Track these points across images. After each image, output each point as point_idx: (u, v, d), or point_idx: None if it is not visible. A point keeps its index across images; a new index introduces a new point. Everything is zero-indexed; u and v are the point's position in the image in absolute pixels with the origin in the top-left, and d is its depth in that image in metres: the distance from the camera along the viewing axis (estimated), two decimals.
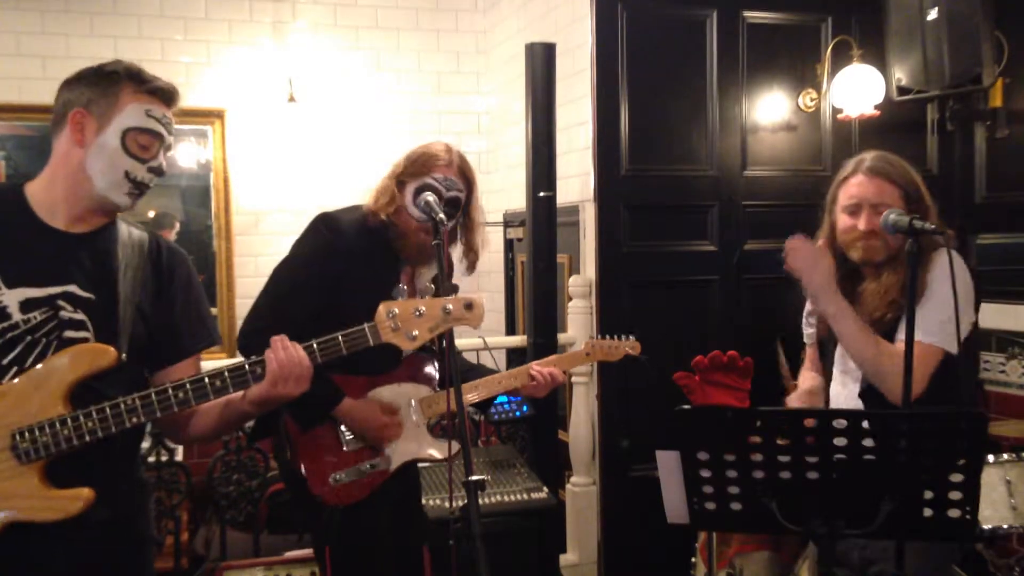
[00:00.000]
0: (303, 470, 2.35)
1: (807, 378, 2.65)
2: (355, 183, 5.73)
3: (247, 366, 1.81)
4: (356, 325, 1.85)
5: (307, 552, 3.32)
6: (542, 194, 3.85)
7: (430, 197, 2.24)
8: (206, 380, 1.78)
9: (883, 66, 3.97)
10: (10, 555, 1.72)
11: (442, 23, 5.92)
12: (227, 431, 1.97)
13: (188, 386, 1.77)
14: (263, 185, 5.53)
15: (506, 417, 3.53)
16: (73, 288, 1.79)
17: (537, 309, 3.88)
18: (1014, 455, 2.98)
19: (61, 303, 1.78)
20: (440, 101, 5.92)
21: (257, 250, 5.62)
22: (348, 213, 2.44)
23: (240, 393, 1.85)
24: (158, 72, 1.90)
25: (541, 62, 3.80)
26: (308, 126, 5.53)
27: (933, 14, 3.76)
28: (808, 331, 2.67)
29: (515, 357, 4.20)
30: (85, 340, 1.78)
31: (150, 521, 2.02)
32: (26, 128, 5.25)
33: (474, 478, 1.81)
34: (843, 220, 2.40)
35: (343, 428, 2.40)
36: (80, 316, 1.78)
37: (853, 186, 2.39)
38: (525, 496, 3.33)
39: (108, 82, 1.83)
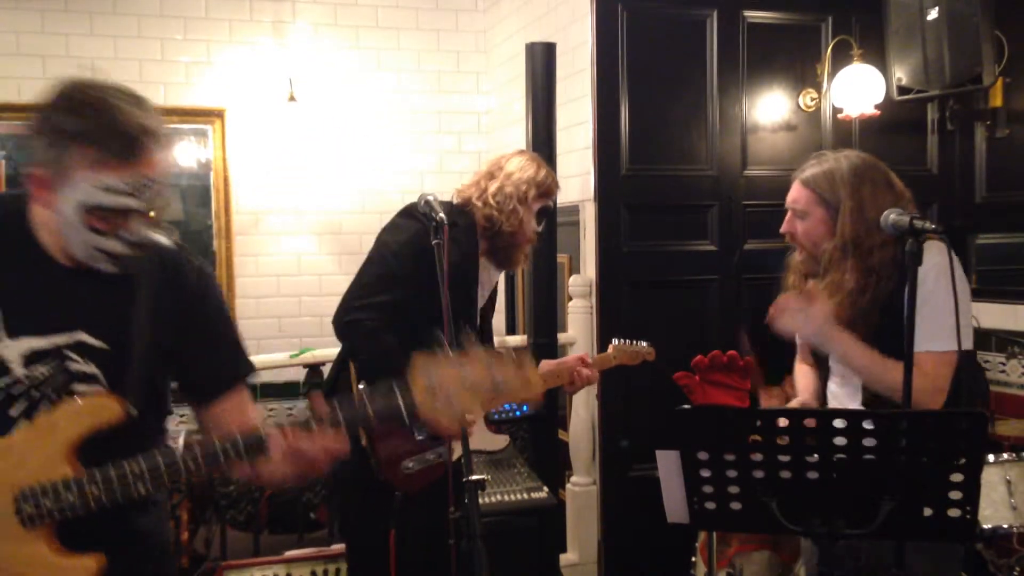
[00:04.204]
0: (379, 455, 2.47)
1: (801, 373, 2.62)
2: (355, 183, 5.73)
3: (263, 432, 1.57)
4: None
5: (307, 552, 3.33)
6: None
7: (430, 198, 2.26)
8: (217, 445, 1.56)
9: (883, 66, 3.97)
10: None
11: (442, 23, 5.92)
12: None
13: (197, 451, 1.56)
14: (263, 185, 5.52)
15: (506, 417, 3.53)
16: (82, 336, 1.59)
17: (537, 309, 3.88)
18: (1014, 455, 2.97)
19: (68, 354, 1.59)
20: (440, 101, 5.92)
21: (257, 250, 5.62)
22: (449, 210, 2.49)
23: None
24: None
25: (541, 62, 3.80)
26: (308, 126, 5.52)
27: (933, 14, 3.76)
28: None
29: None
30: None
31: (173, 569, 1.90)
32: (26, 128, 5.24)
33: (474, 478, 1.81)
34: None
35: None
36: (91, 369, 1.60)
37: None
38: (525, 496, 3.33)
39: (59, 146, 1.52)
